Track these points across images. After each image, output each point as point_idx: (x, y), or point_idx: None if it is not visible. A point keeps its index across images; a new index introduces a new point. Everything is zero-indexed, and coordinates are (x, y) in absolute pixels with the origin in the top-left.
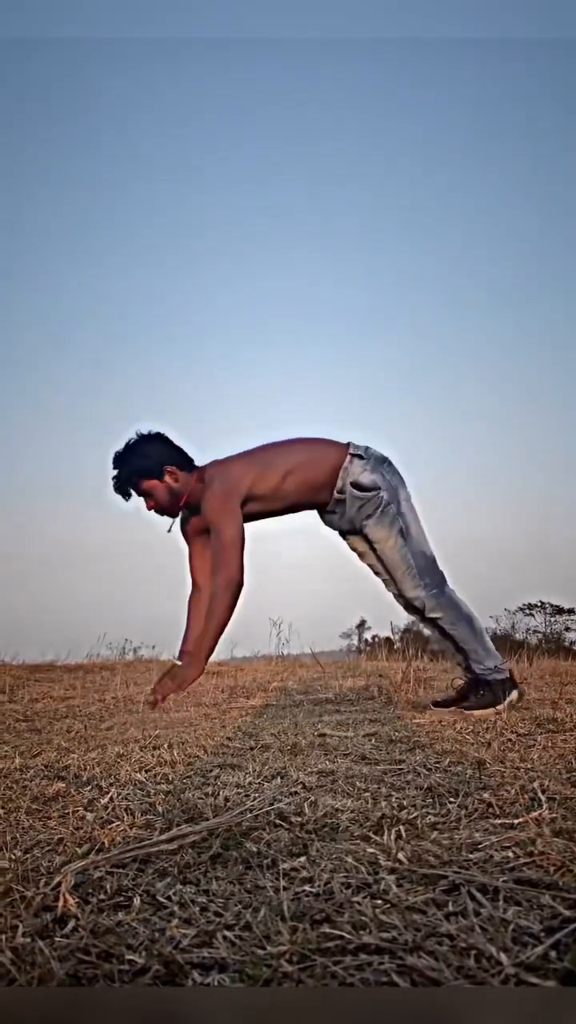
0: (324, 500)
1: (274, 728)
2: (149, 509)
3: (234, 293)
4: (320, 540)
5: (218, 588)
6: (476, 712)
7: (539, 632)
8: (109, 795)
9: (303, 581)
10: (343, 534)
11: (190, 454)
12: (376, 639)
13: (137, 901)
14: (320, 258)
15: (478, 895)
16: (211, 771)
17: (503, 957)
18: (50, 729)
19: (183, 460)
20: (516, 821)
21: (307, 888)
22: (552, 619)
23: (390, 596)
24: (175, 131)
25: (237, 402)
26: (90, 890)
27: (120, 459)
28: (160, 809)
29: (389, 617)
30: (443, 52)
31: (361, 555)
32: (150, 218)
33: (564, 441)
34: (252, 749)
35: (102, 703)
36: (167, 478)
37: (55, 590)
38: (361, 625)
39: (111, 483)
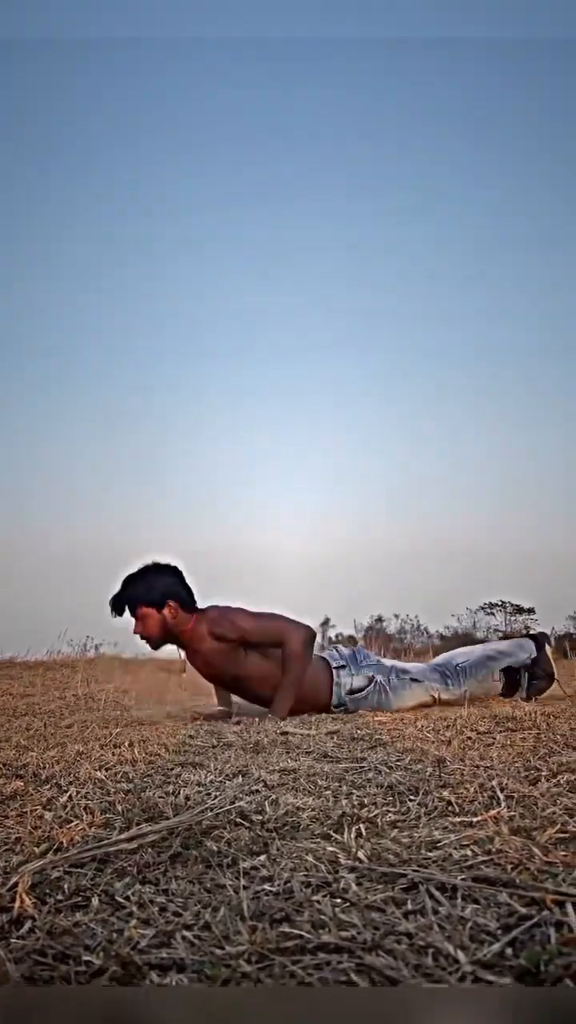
0: (319, 705)
1: (236, 726)
2: (135, 632)
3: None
4: (287, 535)
5: (291, 655)
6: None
7: (499, 631)
8: (68, 794)
9: (267, 580)
10: None
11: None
12: (340, 637)
13: (95, 901)
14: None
15: (436, 893)
16: (172, 769)
17: (460, 955)
18: (9, 727)
19: (187, 599)
20: (475, 819)
21: (267, 887)
22: (512, 618)
23: (353, 593)
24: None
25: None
26: (47, 890)
27: (128, 581)
28: (120, 808)
29: (353, 615)
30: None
31: None
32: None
33: (528, 441)
34: (214, 747)
35: (62, 701)
36: (166, 610)
37: (14, 586)
38: (325, 623)
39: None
